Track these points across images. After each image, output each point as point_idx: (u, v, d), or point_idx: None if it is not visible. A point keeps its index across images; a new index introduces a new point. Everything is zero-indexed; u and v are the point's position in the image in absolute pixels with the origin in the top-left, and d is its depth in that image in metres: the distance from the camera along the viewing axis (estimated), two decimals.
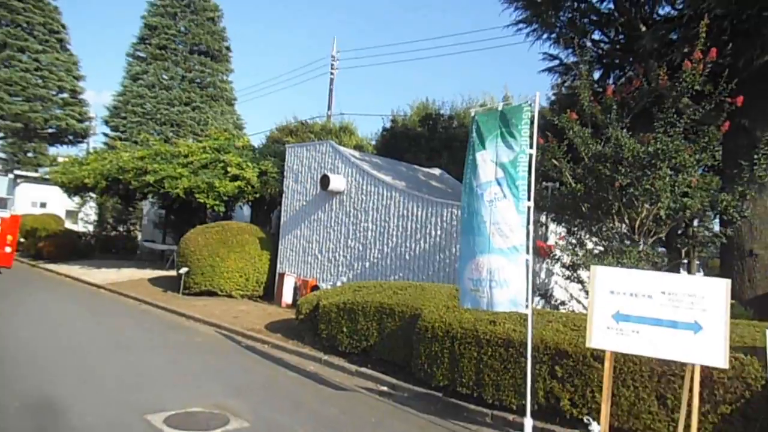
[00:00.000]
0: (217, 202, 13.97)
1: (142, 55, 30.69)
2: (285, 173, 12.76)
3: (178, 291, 11.75)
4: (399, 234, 10.03)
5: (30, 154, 32.98)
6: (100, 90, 71.93)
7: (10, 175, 11.62)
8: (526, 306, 4.86)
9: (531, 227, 5.00)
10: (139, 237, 22.65)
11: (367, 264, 10.50)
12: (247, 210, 18.47)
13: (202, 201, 13.81)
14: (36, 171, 28.83)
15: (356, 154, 12.74)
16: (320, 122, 23.19)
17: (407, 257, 9.80)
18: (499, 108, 5.32)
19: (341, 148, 11.91)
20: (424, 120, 19.53)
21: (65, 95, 32.70)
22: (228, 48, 32.69)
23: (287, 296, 11.23)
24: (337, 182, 11.09)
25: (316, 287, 10.76)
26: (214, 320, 9.13)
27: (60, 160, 20.08)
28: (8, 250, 9.82)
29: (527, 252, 4.90)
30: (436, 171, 15.18)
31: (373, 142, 21.54)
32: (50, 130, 32.20)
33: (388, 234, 10.23)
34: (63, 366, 5.94)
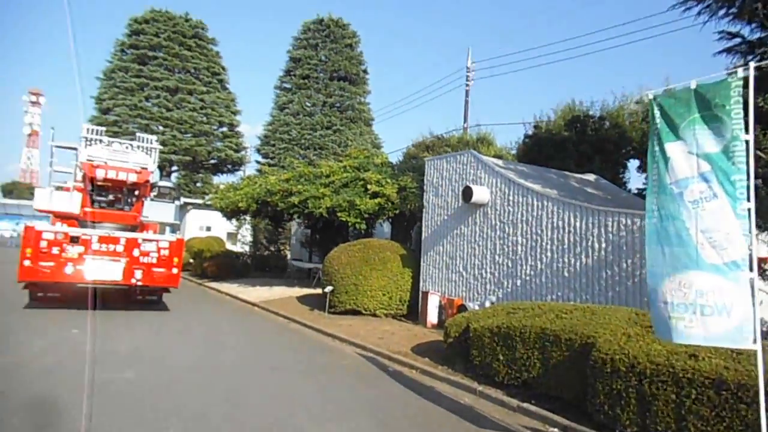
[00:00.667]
0: (359, 220, 14.02)
1: (287, 86, 33.01)
2: (425, 187, 12.33)
3: (324, 309, 11.83)
4: (554, 248, 8.96)
5: (198, 184, 37.18)
6: (254, 124, 79.51)
7: (178, 202, 12.89)
8: (754, 340, 3.68)
9: (754, 236, 3.83)
10: (288, 256, 23.91)
11: (519, 282, 9.55)
12: (387, 227, 18.43)
13: (344, 219, 13.96)
14: (203, 198, 32.27)
15: (500, 162, 11.89)
16: (456, 135, 22.62)
17: (566, 274, 8.68)
18: (692, 86, 4.21)
19: (483, 158, 11.16)
20: (570, 123, 17.95)
21: (224, 129, 36.39)
22: (365, 71, 33.83)
23: (432, 316, 10.67)
24: (480, 194, 10.34)
25: (462, 307, 10.05)
26: (360, 341, 8.85)
27: (221, 187, 21.99)
28: (175, 271, 10.56)
29: (750, 269, 3.73)
30: (591, 176, 13.69)
31: (514, 152, 20.37)
32: (213, 161, 35.98)
33: (541, 248, 9.20)
34: (213, 388, 5.95)
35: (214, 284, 17.68)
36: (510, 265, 9.76)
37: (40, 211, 11.42)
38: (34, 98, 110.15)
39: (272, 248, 24.59)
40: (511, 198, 9.97)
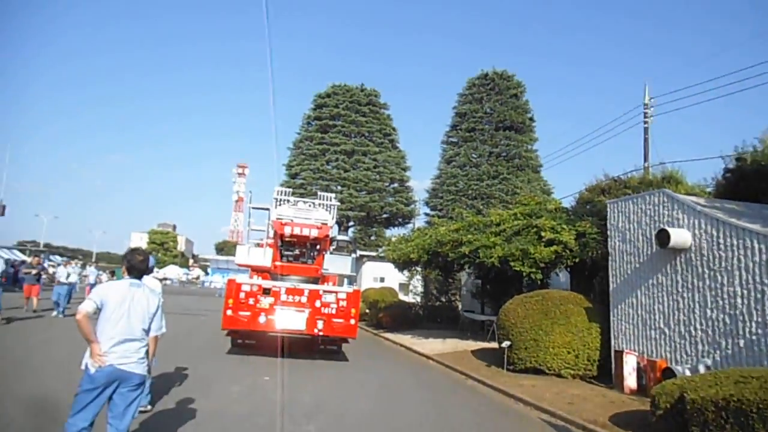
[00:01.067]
0: (533, 270, 13.18)
1: (453, 140, 33.69)
2: (608, 232, 11.13)
3: (501, 366, 11.09)
4: None
5: (372, 237, 39.24)
6: (422, 179, 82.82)
7: (354, 255, 13.59)
8: None
9: None
10: (460, 307, 23.47)
11: (741, 342, 7.83)
12: (563, 276, 17.09)
13: (517, 269, 13.24)
14: (376, 251, 33.82)
15: (701, 201, 10.26)
16: (636, 176, 20.51)
17: None
18: None
19: (680, 196, 9.72)
20: None
21: (395, 185, 38.26)
22: (531, 119, 33.16)
23: (630, 380, 9.26)
24: (679, 237, 8.94)
25: (668, 370, 8.55)
26: (546, 405, 7.95)
27: (393, 240, 22.78)
28: (353, 322, 10.87)
29: None
30: None
31: (709, 189, 17.65)
32: (385, 215, 37.84)
33: None
34: None
35: (388, 334, 17.97)
36: (727, 321, 8.11)
37: (240, 265, 12.84)
38: (240, 170, 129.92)
39: (443, 299, 24.42)
40: (721, 241, 8.41)
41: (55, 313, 16.34)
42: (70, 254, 62.97)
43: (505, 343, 10.96)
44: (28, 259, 29.89)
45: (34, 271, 17.93)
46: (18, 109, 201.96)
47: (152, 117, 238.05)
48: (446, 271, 20.36)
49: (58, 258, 36.60)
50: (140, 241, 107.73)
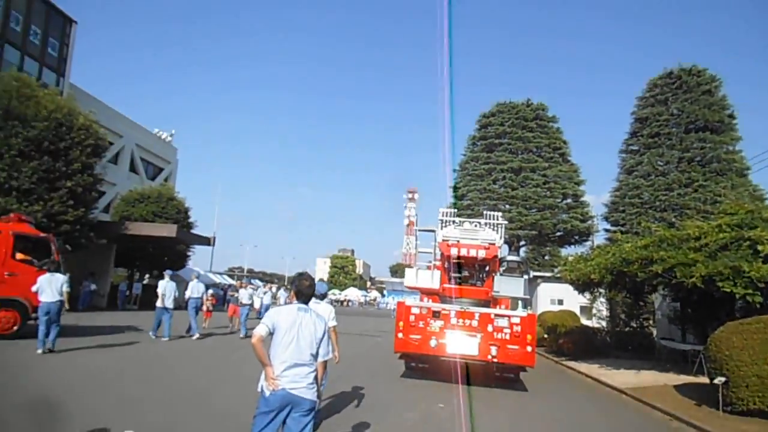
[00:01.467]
0: (750, 291, 11.02)
1: (634, 148, 30.67)
2: None
3: (715, 406, 9.28)
4: None
5: (546, 257, 37.17)
6: (599, 193, 76.58)
7: (527, 276, 12.74)
8: None
9: None
10: (654, 333, 20.72)
11: None
12: None
13: (727, 290, 11.19)
14: (552, 271, 31.81)
15: None
16: None
17: None
18: None
19: None
20: None
21: (568, 201, 35.96)
22: (731, 116, 28.67)
23: None
24: None
25: None
26: None
27: (570, 259, 21.13)
28: (529, 349, 10.14)
29: None
30: None
31: None
32: (558, 233, 35.63)
33: None
34: None
35: (571, 363, 16.53)
36: None
37: (409, 288, 12.95)
38: (410, 195, 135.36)
39: (633, 324, 21.81)
40: None
41: (242, 334, 17.69)
42: (267, 278, 71.32)
43: (719, 379, 9.16)
44: (235, 283, 34.34)
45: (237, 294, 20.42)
46: (227, 157, 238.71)
47: (332, 150, 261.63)
48: (635, 293, 18.16)
49: (258, 282, 41.50)
50: (324, 265, 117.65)
